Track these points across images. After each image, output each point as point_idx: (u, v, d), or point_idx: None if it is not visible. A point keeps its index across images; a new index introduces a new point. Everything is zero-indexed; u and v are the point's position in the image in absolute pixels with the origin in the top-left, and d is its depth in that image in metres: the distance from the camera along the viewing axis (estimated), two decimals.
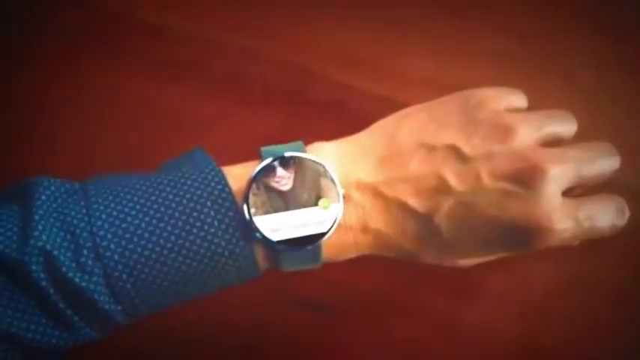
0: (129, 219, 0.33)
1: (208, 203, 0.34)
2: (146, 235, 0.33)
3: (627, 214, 0.37)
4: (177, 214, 0.34)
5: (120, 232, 0.33)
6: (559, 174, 0.35)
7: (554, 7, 0.51)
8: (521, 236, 0.36)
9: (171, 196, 0.34)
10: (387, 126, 0.39)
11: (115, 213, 0.34)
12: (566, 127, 0.39)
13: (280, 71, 0.51)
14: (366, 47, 0.51)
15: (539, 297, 0.44)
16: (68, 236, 0.33)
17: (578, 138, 0.39)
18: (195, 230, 0.34)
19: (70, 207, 0.34)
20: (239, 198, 0.34)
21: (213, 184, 0.35)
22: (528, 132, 0.36)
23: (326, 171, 0.35)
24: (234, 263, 0.34)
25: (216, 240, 0.34)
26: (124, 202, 0.34)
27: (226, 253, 0.34)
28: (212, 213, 0.34)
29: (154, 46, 0.52)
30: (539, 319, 0.44)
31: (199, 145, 0.39)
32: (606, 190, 0.38)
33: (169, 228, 0.33)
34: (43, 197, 0.34)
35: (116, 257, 0.33)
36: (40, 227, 0.32)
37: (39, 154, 0.49)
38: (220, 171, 0.35)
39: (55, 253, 0.32)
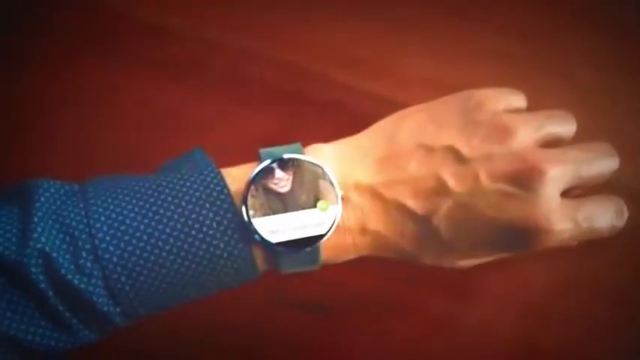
0: (128, 221, 0.33)
1: (207, 205, 0.34)
2: (145, 237, 0.33)
3: (626, 214, 0.37)
4: (176, 216, 0.34)
5: (119, 234, 0.33)
6: (558, 175, 0.35)
7: (554, 7, 0.51)
8: (520, 237, 0.36)
9: (170, 198, 0.34)
10: (387, 126, 0.39)
11: (113, 215, 0.34)
12: (565, 127, 0.39)
13: (280, 71, 0.51)
14: (366, 47, 0.51)
15: (539, 297, 0.44)
16: (67, 238, 0.33)
17: (578, 138, 0.39)
18: (194, 232, 0.34)
19: (69, 209, 0.34)
20: (238, 200, 0.34)
21: (212, 185, 0.35)
22: (527, 133, 0.36)
23: (324, 173, 0.35)
24: (233, 265, 0.34)
25: (214, 242, 0.34)
26: (123, 204, 0.34)
27: (225, 254, 0.34)
28: (211, 215, 0.34)
29: (153, 46, 0.52)
30: (538, 319, 0.44)
31: (199, 145, 0.39)
32: (606, 190, 0.38)
33: (168, 230, 0.33)
34: (42, 199, 0.34)
35: (115, 259, 0.33)
36: (40, 229, 0.32)
37: (39, 154, 0.49)
38: (219, 172, 0.35)
39: (54, 255, 0.32)
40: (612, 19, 0.50)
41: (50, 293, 0.32)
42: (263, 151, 0.36)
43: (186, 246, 0.33)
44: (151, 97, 0.51)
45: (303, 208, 0.34)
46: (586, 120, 0.39)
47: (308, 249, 0.35)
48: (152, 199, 0.34)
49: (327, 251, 0.36)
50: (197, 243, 0.34)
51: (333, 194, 0.35)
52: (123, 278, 0.33)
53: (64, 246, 0.32)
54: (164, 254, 0.33)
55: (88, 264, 0.32)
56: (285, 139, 0.37)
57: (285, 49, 0.51)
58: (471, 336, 0.43)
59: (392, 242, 0.37)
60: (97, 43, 0.53)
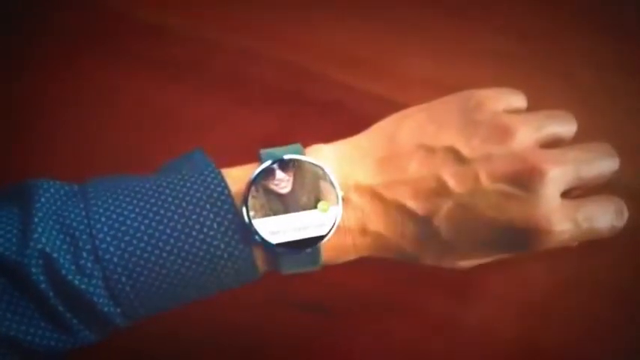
0: (128, 221, 0.33)
1: (207, 206, 0.34)
2: (145, 237, 0.33)
3: (626, 215, 0.37)
4: (176, 217, 0.34)
5: (119, 234, 0.33)
6: (558, 175, 0.35)
7: (554, 7, 0.51)
8: (520, 238, 0.36)
9: (170, 199, 0.34)
10: (387, 127, 0.39)
11: (114, 215, 0.34)
12: (565, 127, 0.39)
13: (280, 71, 0.51)
14: (366, 47, 0.51)
15: (539, 298, 0.44)
16: (67, 239, 0.33)
17: (578, 138, 0.39)
18: (194, 233, 0.34)
19: (70, 209, 0.34)
20: (238, 200, 0.34)
21: (212, 186, 0.35)
22: (527, 133, 0.36)
23: (325, 173, 0.35)
24: (234, 266, 0.34)
25: (215, 242, 0.34)
26: (124, 204, 0.34)
27: (225, 255, 0.34)
28: (211, 215, 0.34)
29: (153, 46, 0.52)
30: (538, 319, 0.44)
31: (199, 145, 0.39)
32: (606, 190, 0.38)
33: (169, 230, 0.33)
34: (43, 199, 0.34)
35: (115, 260, 0.33)
36: (40, 230, 0.32)
37: (39, 154, 0.49)
38: (219, 173, 0.35)
39: (55, 255, 0.32)
40: (612, 19, 0.50)
41: (50, 294, 0.32)
42: (263, 151, 0.36)
43: (186, 247, 0.33)
44: (151, 97, 0.51)
45: (304, 209, 0.34)
46: (586, 120, 0.39)
47: (308, 250, 0.35)
48: (153, 200, 0.34)
49: (327, 252, 0.36)
50: (197, 244, 0.34)
51: (334, 195, 0.35)
52: (123, 279, 0.33)
53: (65, 246, 0.32)
54: (164, 255, 0.33)
55: (89, 264, 0.32)
56: (285, 139, 0.37)
57: (285, 49, 0.51)
58: (471, 336, 0.43)
59: (392, 243, 0.37)
60: (97, 43, 0.53)
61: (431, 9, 0.52)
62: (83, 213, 0.34)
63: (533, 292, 0.44)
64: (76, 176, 0.36)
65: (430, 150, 0.36)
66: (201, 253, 0.34)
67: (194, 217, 0.34)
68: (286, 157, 0.35)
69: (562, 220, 0.35)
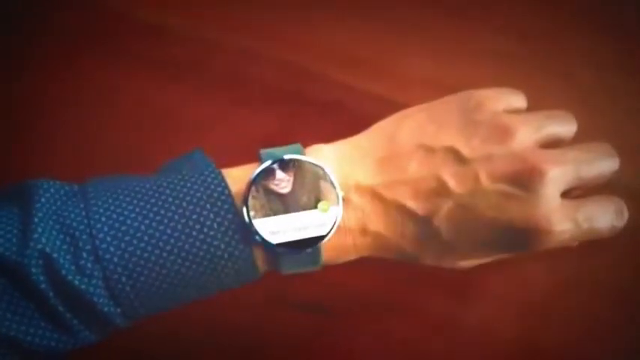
0: (128, 221, 0.33)
1: (208, 206, 0.34)
2: (145, 237, 0.33)
3: (626, 215, 0.37)
4: (176, 217, 0.34)
5: (119, 234, 0.33)
6: (558, 175, 0.35)
7: (554, 7, 0.51)
8: (521, 238, 0.36)
9: (170, 199, 0.34)
10: (387, 127, 0.39)
11: (114, 215, 0.34)
12: (565, 127, 0.39)
13: (280, 71, 0.51)
14: (366, 47, 0.51)
15: (539, 298, 0.44)
16: (67, 239, 0.33)
17: (578, 138, 0.39)
18: (194, 233, 0.34)
19: (70, 209, 0.34)
20: (238, 201, 0.34)
21: (212, 186, 0.35)
22: (527, 133, 0.36)
23: (325, 173, 0.35)
24: (234, 266, 0.34)
25: (215, 242, 0.34)
26: (124, 204, 0.34)
27: (225, 255, 0.34)
28: (211, 215, 0.34)
29: (153, 46, 0.52)
30: (538, 319, 0.44)
31: (199, 145, 0.39)
32: (606, 190, 0.38)
33: (169, 230, 0.33)
34: (43, 199, 0.34)
35: (115, 259, 0.33)
36: (40, 230, 0.32)
37: (39, 154, 0.49)
38: (220, 173, 0.35)
39: (55, 255, 0.32)
40: (612, 19, 0.50)
41: (50, 294, 0.32)
42: (263, 151, 0.36)
43: (186, 247, 0.33)
44: (151, 97, 0.51)
45: (304, 209, 0.34)
46: (586, 120, 0.39)
47: (309, 250, 0.35)
48: (153, 200, 0.34)
49: (327, 252, 0.36)
50: (198, 244, 0.34)
51: (334, 195, 0.35)
52: (123, 279, 0.33)
53: (65, 246, 0.32)
54: (165, 255, 0.33)
55: (89, 264, 0.32)
56: (285, 139, 0.37)
57: (285, 49, 0.51)
58: (471, 336, 0.43)
59: (392, 243, 0.37)
60: (97, 43, 0.53)
61: (431, 9, 0.52)
62: (83, 213, 0.34)
63: (533, 292, 0.44)
64: (76, 176, 0.36)
65: (430, 150, 0.36)
66: (201, 253, 0.34)
67: (194, 217, 0.34)
68: (286, 157, 0.35)
69: (562, 220, 0.35)
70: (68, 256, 0.32)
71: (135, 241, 0.33)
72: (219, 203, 0.34)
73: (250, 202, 0.34)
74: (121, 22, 0.53)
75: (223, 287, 0.35)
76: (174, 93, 0.51)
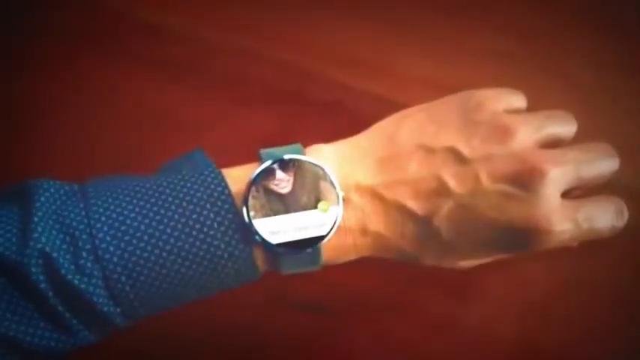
0: (128, 221, 0.33)
1: (208, 205, 0.34)
2: (145, 237, 0.33)
3: (626, 215, 0.37)
4: (176, 217, 0.34)
5: (119, 234, 0.33)
6: (558, 175, 0.35)
7: (554, 7, 0.51)
8: (521, 238, 0.36)
9: (170, 199, 0.34)
10: (387, 127, 0.39)
11: (114, 215, 0.34)
12: (565, 127, 0.39)
13: (280, 71, 0.51)
14: (366, 47, 0.51)
15: (539, 298, 0.44)
16: (67, 238, 0.33)
17: (578, 138, 0.39)
18: (194, 232, 0.34)
19: (70, 209, 0.34)
20: (238, 200, 0.34)
21: (212, 186, 0.35)
22: (527, 133, 0.36)
23: (325, 173, 0.35)
24: (234, 266, 0.34)
25: (215, 242, 0.34)
26: (124, 204, 0.34)
27: (225, 255, 0.34)
28: (211, 215, 0.34)
29: (153, 46, 0.52)
30: (538, 319, 0.44)
31: (199, 145, 0.39)
32: (606, 190, 0.38)
33: (169, 230, 0.33)
34: (43, 199, 0.34)
35: (115, 259, 0.33)
36: (40, 229, 0.32)
37: (39, 154, 0.49)
38: (220, 173, 0.35)
39: (55, 255, 0.32)
40: (612, 19, 0.50)
41: (50, 294, 0.32)
42: (263, 151, 0.36)
43: (186, 246, 0.33)
44: (151, 97, 0.51)
45: (304, 209, 0.34)
46: (586, 120, 0.39)
47: (309, 250, 0.35)
48: (153, 200, 0.34)
49: (327, 252, 0.36)
50: (198, 243, 0.34)
51: (334, 195, 0.35)
52: (123, 278, 0.33)
53: (65, 246, 0.32)
54: (164, 255, 0.33)
55: (89, 264, 0.32)
56: (285, 139, 0.37)
57: (285, 49, 0.51)
58: (471, 336, 0.43)
59: (392, 243, 0.37)
60: (97, 43, 0.53)
61: (431, 9, 0.52)
62: (83, 213, 0.34)
63: (533, 292, 0.44)
64: (76, 176, 0.36)
65: (430, 150, 0.36)
66: (201, 253, 0.34)
67: (194, 216, 0.34)
68: (286, 157, 0.35)
69: (562, 220, 0.35)
70: (68, 256, 0.32)
71: (135, 241, 0.33)
72: (219, 203, 0.34)
73: (250, 202, 0.34)
74: (121, 22, 0.53)
75: (223, 287, 0.35)
76: (174, 93, 0.51)
